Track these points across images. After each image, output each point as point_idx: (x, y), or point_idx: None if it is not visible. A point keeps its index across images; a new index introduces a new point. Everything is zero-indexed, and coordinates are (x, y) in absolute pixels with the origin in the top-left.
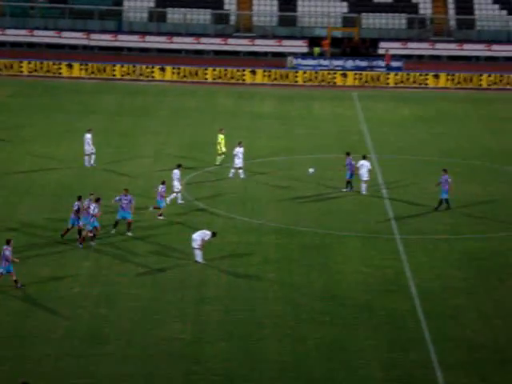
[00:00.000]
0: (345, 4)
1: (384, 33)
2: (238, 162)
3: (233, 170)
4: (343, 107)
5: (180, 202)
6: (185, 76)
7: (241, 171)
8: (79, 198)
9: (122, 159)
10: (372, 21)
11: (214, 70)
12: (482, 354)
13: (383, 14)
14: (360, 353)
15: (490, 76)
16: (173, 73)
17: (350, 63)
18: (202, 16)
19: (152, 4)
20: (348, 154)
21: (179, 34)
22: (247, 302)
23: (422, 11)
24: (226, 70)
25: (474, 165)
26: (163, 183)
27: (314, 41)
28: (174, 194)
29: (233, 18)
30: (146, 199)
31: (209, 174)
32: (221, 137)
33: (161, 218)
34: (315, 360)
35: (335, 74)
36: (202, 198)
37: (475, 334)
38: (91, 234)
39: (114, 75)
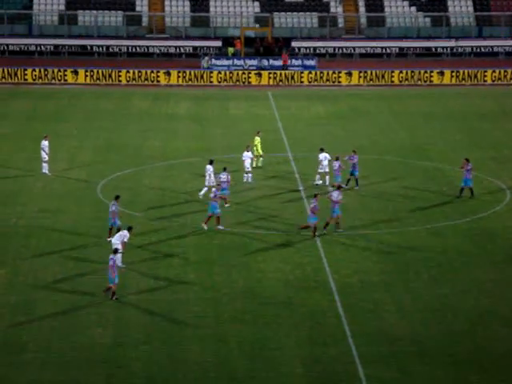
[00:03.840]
0: (257, 4)
1: (296, 32)
2: (248, 165)
3: (245, 175)
4: (259, 106)
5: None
6: (98, 79)
7: (250, 175)
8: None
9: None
10: (284, 20)
11: (128, 72)
12: (401, 347)
13: (295, 13)
14: (281, 350)
15: (401, 72)
16: (86, 76)
17: (264, 62)
18: (113, 18)
19: (62, 7)
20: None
21: (91, 37)
22: (168, 304)
23: (332, 9)
24: (139, 71)
25: (389, 160)
26: (337, 159)
27: (227, 41)
28: (205, 189)
29: (145, 20)
30: (63, 201)
31: (125, 177)
32: (257, 139)
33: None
34: (237, 359)
35: (250, 73)
36: (119, 200)
37: (394, 327)
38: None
39: (25, 79)
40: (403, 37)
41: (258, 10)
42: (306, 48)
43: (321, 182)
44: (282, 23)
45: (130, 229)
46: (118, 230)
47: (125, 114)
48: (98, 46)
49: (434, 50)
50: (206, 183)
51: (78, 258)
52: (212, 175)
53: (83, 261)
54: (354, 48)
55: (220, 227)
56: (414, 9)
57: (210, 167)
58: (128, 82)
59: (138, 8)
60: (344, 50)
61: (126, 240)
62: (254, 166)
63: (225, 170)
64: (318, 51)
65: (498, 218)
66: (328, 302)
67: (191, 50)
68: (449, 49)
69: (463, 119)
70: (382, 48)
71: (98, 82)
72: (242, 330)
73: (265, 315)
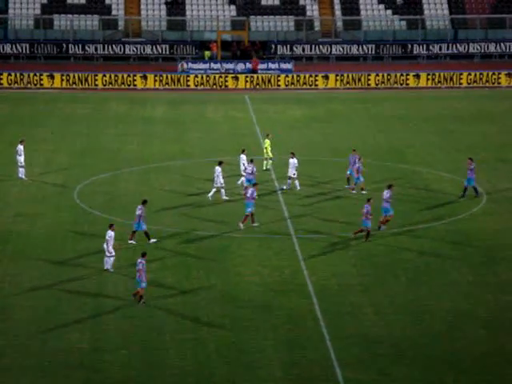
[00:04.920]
0: (233, 7)
1: (273, 35)
2: (243, 168)
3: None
4: (236, 110)
5: (224, 197)
6: (74, 83)
7: (243, 178)
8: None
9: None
10: (261, 23)
11: (104, 75)
12: (379, 349)
13: (271, 17)
14: (260, 353)
15: (377, 75)
16: (62, 80)
17: (240, 66)
18: (89, 22)
19: (38, 11)
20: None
21: (67, 41)
22: (146, 309)
23: (309, 13)
24: (116, 75)
25: (366, 163)
26: (360, 159)
27: (204, 44)
28: (214, 190)
29: (121, 24)
30: (39, 206)
31: (102, 181)
32: (267, 142)
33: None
34: (216, 363)
35: (227, 77)
36: (96, 205)
37: (372, 330)
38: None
39: (1, 84)
40: (379, 40)
41: (234, 13)
42: (282, 46)
43: (286, 186)
44: (259, 27)
45: (111, 226)
46: (146, 234)
47: (101, 118)
48: (75, 48)
49: (409, 52)
50: (215, 184)
51: (55, 263)
52: (220, 176)
53: (60, 265)
54: (330, 51)
55: (255, 224)
56: (389, 12)
57: (218, 168)
58: (104, 85)
59: (114, 12)
60: (320, 52)
61: (108, 238)
62: (264, 168)
63: (251, 161)
64: (294, 54)
65: (474, 220)
66: (306, 305)
67: (168, 54)
68: (425, 51)
69: (439, 122)
70: (358, 50)
71: (74, 86)
72: (220, 334)
73: (243, 319)
